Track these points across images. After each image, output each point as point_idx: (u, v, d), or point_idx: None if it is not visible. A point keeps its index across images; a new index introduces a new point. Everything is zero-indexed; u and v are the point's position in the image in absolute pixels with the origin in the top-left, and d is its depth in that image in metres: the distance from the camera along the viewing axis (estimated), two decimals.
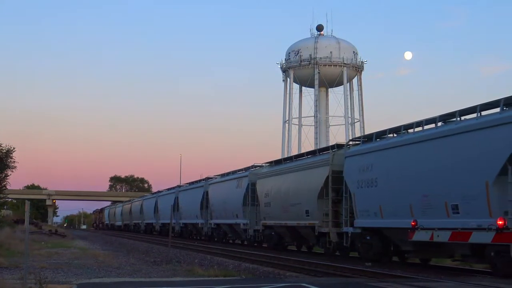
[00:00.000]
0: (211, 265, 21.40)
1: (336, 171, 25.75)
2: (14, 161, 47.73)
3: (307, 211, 28.00)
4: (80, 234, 71.69)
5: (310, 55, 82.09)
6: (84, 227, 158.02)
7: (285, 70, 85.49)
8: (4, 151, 45.45)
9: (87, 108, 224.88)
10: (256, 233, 35.15)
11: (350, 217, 24.50)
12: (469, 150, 17.89)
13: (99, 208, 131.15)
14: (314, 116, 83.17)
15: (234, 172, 40.77)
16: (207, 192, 44.53)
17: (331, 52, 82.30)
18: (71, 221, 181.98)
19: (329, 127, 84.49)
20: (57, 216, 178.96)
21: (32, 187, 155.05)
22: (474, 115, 18.57)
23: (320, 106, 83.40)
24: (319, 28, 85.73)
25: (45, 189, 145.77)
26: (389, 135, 23.15)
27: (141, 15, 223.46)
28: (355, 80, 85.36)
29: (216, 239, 43.79)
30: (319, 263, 22.22)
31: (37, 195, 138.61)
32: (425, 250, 21.59)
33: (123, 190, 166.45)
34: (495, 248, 16.68)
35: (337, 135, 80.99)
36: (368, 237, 23.38)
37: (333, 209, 26.13)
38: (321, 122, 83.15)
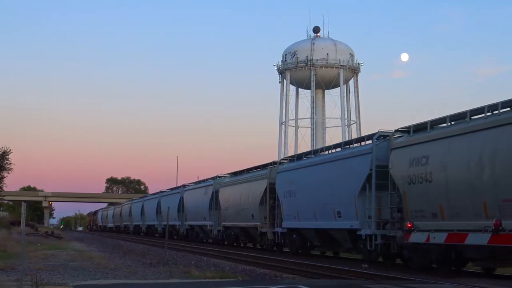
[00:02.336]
0: (207, 267, 21.39)
1: (272, 183, 31.94)
2: (10, 163, 47.68)
3: (252, 215, 34.24)
4: (77, 236, 71.53)
5: (307, 56, 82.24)
6: (80, 228, 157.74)
7: (281, 72, 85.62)
8: (0, 152, 45.36)
9: (84, 110, 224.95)
10: (219, 232, 41.24)
11: (281, 219, 30.88)
12: (345, 172, 24.40)
13: (95, 210, 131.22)
14: (311, 118, 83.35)
15: (204, 181, 47.07)
16: (183, 198, 50.31)
17: (327, 54, 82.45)
18: (67, 223, 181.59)
19: (325, 128, 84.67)
20: (53, 218, 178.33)
21: (28, 188, 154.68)
22: (357, 144, 25.70)
23: (317, 108, 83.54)
24: (316, 30, 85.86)
25: (41, 190, 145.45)
26: (307, 156, 29.63)
27: (137, 18, 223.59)
28: (351, 82, 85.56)
29: (190, 239, 49.49)
30: (316, 264, 22.24)
31: (33, 196, 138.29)
32: (328, 245, 28.30)
33: (120, 192, 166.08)
34: (363, 242, 22.86)
35: (334, 137, 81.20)
36: (294, 235, 29.63)
37: (271, 213, 32.19)
38: (317, 124, 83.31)
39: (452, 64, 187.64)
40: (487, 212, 16.69)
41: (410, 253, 20.65)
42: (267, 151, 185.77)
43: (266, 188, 32.49)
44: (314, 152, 29.76)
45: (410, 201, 20.12)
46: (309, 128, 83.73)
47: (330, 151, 27.60)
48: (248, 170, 37.72)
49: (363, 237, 22.68)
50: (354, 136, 79.39)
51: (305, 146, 79.92)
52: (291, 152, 77.65)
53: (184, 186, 52.67)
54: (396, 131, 21.96)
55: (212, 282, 16.59)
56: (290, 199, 29.43)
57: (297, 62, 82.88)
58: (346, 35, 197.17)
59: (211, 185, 42.76)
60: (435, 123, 19.87)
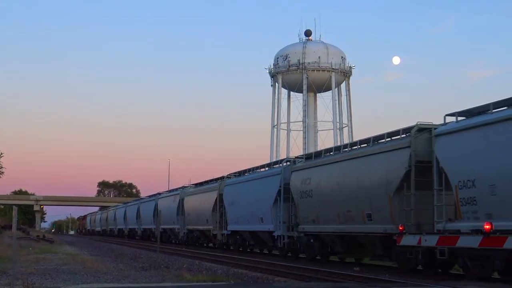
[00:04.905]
0: (199, 271, 21.48)
1: (221, 194, 39.05)
2: (2, 166, 47.65)
3: (207, 220, 41.38)
4: (68, 240, 71.44)
5: (299, 60, 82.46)
6: (72, 232, 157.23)
7: (273, 75, 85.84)
8: None
9: (76, 113, 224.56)
10: (184, 234, 48.75)
11: (227, 224, 37.99)
12: (264, 188, 32.05)
13: (85, 214, 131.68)
14: (303, 121, 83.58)
15: (175, 190, 55.06)
16: (157, 204, 57.24)
17: (319, 57, 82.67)
18: (59, 226, 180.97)
19: (317, 132, 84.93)
20: (45, 221, 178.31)
21: (19, 192, 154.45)
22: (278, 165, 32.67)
23: (309, 111, 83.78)
24: (308, 33, 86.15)
25: (33, 194, 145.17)
26: (245, 174, 36.99)
27: (131, 21, 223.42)
28: (343, 85, 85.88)
29: (163, 240, 54.71)
30: (308, 268, 22.32)
31: (25, 200, 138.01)
32: (259, 244, 35.50)
33: (111, 196, 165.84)
34: (276, 241, 30.33)
35: (326, 140, 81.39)
36: (237, 236, 36.93)
37: (221, 218, 39.07)
38: (309, 127, 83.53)
39: (443, 67, 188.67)
40: (339, 219, 24.04)
41: (304, 248, 28.24)
42: (260, 154, 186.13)
43: (216, 198, 39.69)
44: (250, 170, 36.88)
45: (300, 210, 27.79)
46: (301, 131, 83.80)
47: (259, 170, 35.27)
48: (207, 182, 45.30)
49: (276, 237, 30.44)
50: (346, 139, 79.76)
51: (297, 149, 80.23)
52: (283, 155, 78.08)
53: (159, 194, 60.18)
54: (296, 157, 30.58)
55: (204, 285, 16.68)
56: (232, 207, 36.77)
57: (289, 66, 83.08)
58: (338, 39, 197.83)
59: (178, 194, 50.36)
60: (317, 154, 27.96)
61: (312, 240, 27.01)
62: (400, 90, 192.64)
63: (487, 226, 16.13)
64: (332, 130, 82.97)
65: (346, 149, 24.61)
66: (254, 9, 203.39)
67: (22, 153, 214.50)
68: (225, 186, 38.60)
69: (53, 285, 16.47)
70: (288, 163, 30.46)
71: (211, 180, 44.13)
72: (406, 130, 20.57)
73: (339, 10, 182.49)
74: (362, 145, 23.60)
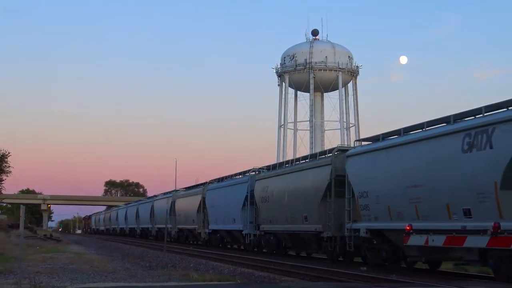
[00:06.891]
0: (206, 270, 21.68)
1: (204, 197, 45.43)
2: (9, 166, 47.88)
3: (193, 220, 47.88)
4: (75, 239, 71.74)
5: (305, 59, 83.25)
6: (79, 231, 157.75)
7: (280, 75, 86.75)
8: None
9: (83, 112, 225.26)
10: (175, 233, 55.25)
11: (208, 223, 44.81)
12: (235, 193, 37.94)
13: (91, 214, 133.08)
14: (309, 121, 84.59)
15: (168, 193, 61.46)
16: (153, 206, 64.52)
17: (326, 56, 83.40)
18: (66, 225, 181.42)
19: (324, 131, 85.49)
20: (52, 220, 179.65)
21: (27, 191, 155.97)
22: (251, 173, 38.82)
23: (315, 111, 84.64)
24: (314, 32, 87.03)
25: (40, 193, 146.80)
26: (224, 180, 42.94)
27: (137, 20, 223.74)
28: (350, 85, 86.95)
29: (158, 239, 60.89)
30: (315, 267, 22.37)
31: (32, 199, 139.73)
32: (234, 241, 41.60)
33: (118, 195, 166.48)
34: (245, 238, 36.25)
35: (332, 140, 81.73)
36: (217, 235, 43.05)
37: (205, 219, 45.08)
38: (316, 126, 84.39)
39: (449, 67, 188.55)
40: (287, 220, 29.85)
41: (265, 244, 33.86)
42: (266, 154, 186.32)
43: (200, 201, 45.85)
44: (228, 177, 42.97)
45: (261, 212, 33.88)
46: (308, 131, 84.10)
47: (235, 177, 41.13)
48: (194, 187, 51.94)
49: (244, 235, 36.29)
50: (353, 139, 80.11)
51: (304, 149, 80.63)
52: (290, 155, 78.65)
53: (155, 196, 67.28)
54: (260, 168, 36.09)
55: (210, 285, 16.80)
56: (213, 209, 43.08)
57: (296, 65, 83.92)
58: (345, 38, 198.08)
59: (170, 197, 56.53)
60: (274, 166, 34.13)
61: (271, 238, 32.83)
62: (407, 90, 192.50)
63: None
64: (339, 130, 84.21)
65: (295, 163, 31.32)
66: (261, 9, 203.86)
67: (29, 153, 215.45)
68: (207, 191, 45.14)
69: (60, 284, 16.63)
70: (254, 173, 36.76)
71: (197, 185, 51.01)
72: (330, 151, 26.91)
73: (346, 10, 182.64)
74: (305, 160, 29.97)
